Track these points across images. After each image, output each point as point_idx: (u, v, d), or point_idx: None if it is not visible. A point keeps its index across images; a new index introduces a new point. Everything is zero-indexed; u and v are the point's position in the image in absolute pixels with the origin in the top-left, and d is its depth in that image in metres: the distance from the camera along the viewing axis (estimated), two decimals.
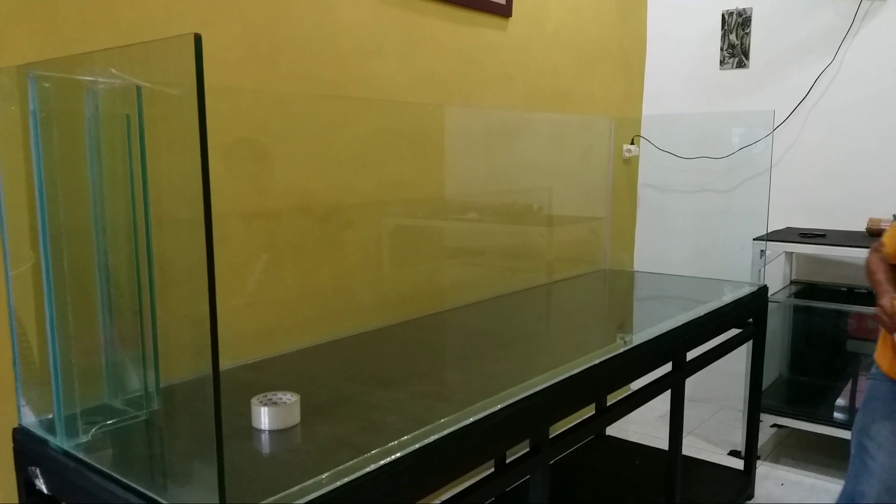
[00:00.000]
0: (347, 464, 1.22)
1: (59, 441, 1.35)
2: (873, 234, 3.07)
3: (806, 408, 3.12)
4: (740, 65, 3.58)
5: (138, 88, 1.39)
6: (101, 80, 1.39)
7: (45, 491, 1.39)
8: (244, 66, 2.00)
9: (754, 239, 3.08)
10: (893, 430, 1.86)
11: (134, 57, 1.39)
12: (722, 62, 3.63)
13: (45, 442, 1.37)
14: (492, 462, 1.86)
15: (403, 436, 1.34)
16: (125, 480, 1.19)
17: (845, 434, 2.95)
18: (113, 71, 1.37)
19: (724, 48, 3.62)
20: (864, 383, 3.19)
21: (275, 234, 2.10)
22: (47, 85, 1.37)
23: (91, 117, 1.42)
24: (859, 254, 2.94)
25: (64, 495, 1.38)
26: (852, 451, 1.96)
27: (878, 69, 3.24)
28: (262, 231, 2.07)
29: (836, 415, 3.13)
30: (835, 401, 3.21)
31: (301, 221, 2.18)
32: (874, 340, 3.04)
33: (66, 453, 1.32)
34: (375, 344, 2.10)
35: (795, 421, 3.07)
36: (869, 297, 3.16)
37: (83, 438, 1.36)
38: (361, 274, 2.40)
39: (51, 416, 1.41)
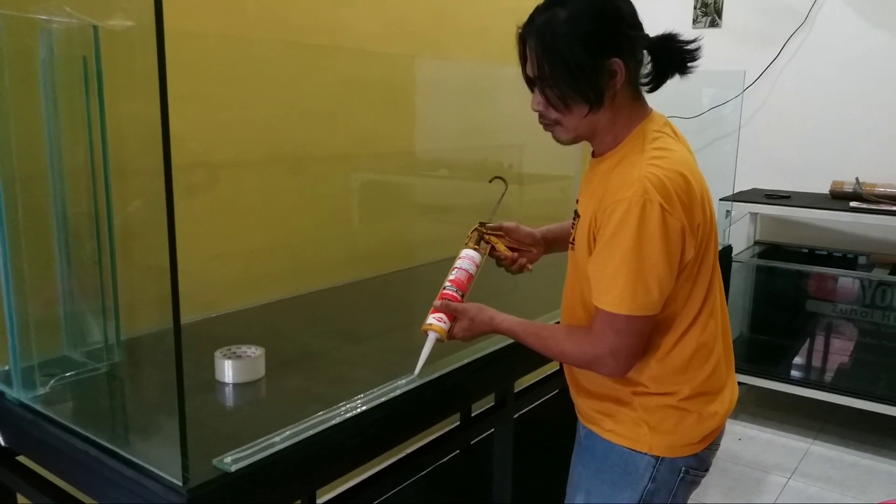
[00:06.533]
0: (313, 417, 1.22)
1: (15, 393, 1.32)
2: (836, 197, 3.11)
3: (765, 366, 3.20)
4: (713, 24, 3.56)
5: (95, 28, 1.33)
6: (55, 18, 1.32)
7: (1, 443, 1.36)
8: (208, 10, 1.92)
9: (720, 199, 3.10)
10: None
11: None
12: (695, 20, 3.61)
13: (0, 394, 1.34)
14: (457, 415, 1.88)
15: (371, 389, 1.34)
16: (84, 433, 1.17)
17: (802, 391, 3.04)
18: (68, 9, 1.31)
19: (698, 6, 3.59)
20: (821, 342, 3.27)
21: (241, 186, 2.06)
22: None
23: (46, 59, 1.35)
24: (822, 216, 2.98)
25: (21, 448, 1.35)
26: None
27: (849, 32, 3.25)
28: (229, 182, 2.02)
29: (794, 373, 3.21)
30: (793, 359, 3.29)
31: (269, 173, 2.13)
32: (833, 301, 3.11)
33: (22, 405, 1.29)
34: (344, 299, 2.08)
35: (754, 378, 3.14)
36: (828, 259, 3.23)
37: (41, 390, 1.34)
38: (330, 228, 2.37)
39: (7, 367, 1.37)
